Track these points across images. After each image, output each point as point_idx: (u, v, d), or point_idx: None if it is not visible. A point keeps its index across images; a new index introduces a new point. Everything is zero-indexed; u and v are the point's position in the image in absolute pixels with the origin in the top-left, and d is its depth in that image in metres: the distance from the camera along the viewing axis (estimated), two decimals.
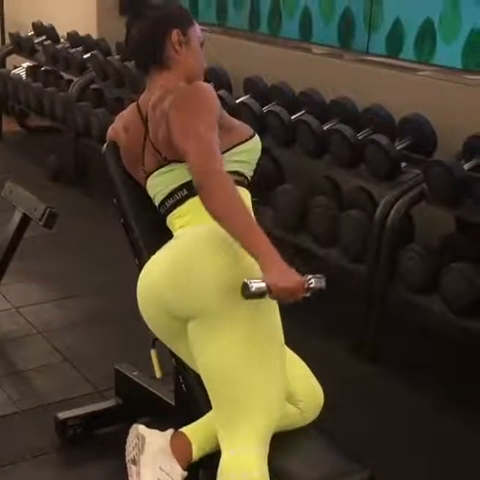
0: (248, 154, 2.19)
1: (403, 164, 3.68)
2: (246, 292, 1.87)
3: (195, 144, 1.96)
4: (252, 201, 2.21)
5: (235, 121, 2.22)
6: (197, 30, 2.24)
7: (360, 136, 3.84)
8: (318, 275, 1.94)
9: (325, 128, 3.99)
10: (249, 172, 2.22)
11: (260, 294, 1.87)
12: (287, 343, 2.14)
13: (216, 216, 1.89)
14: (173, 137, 2.04)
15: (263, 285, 1.86)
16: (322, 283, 1.93)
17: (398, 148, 3.70)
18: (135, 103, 2.27)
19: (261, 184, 2.86)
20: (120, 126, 2.32)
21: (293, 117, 4.16)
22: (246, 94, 4.59)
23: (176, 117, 2.04)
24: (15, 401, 3.12)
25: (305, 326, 3.54)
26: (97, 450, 2.84)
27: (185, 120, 2.02)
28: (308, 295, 1.92)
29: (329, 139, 3.88)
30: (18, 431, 2.95)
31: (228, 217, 1.89)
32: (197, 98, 2.07)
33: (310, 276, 1.92)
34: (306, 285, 1.90)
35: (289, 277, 1.87)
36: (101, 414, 2.95)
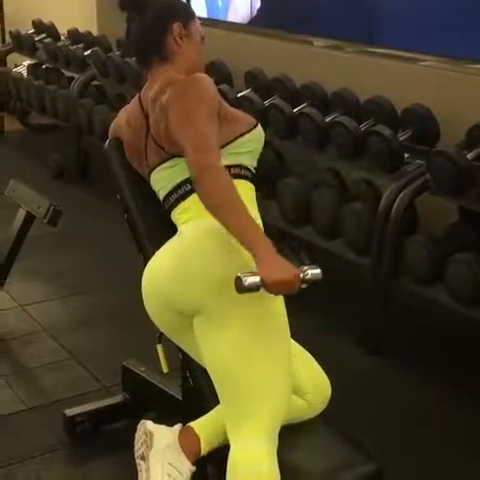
0: (253, 143, 2.18)
1: (406, 155, 3.68)
2: (240, 286, 1.84)
3: (192, 138, 1.96)
4: (256, 194, 2.21)
5: (237, 111, 2.22)
6: (197, 24, 2.24)
7: (362, 128, 3.83)
8: (314, 266, 1.90)
9: (327, 120, 3.98)
10: (253, 163, 2.21)
11: (254, 288, 1.84)
12: (293, 336, 2.14)
13: (210, 209, 1.89)
14: (172, 131, 2.03)
15: (257, 279, 1.83)
16: (318, 274, 1.89)
17: (401, 139, 3.69)
18: (138, 96, 2.26)
19: (264, 177, 2.86)
20: (123, 120, 2.31)
21: (295, 110, 4.15)
22: (247, 88, 4.59)
23: (174, 111, 2.03)
24: (23, 399, 3.13)
25: (310, 319, 3.54)
26: (105, 446, 2.85)
27: (183, 113, 2.01)
28: (304, 286, 1.88)
29: (331, 131, 3.88)
30: (26, 428, 2.95)
31: (222, 211, 1.88)
32: (195, 90, 2.06)
33: (306, 267, 1.88)
34: (302, 276, 1.86)
35: (283, 269, 1.84)
36: (109, 410, 2.95)
